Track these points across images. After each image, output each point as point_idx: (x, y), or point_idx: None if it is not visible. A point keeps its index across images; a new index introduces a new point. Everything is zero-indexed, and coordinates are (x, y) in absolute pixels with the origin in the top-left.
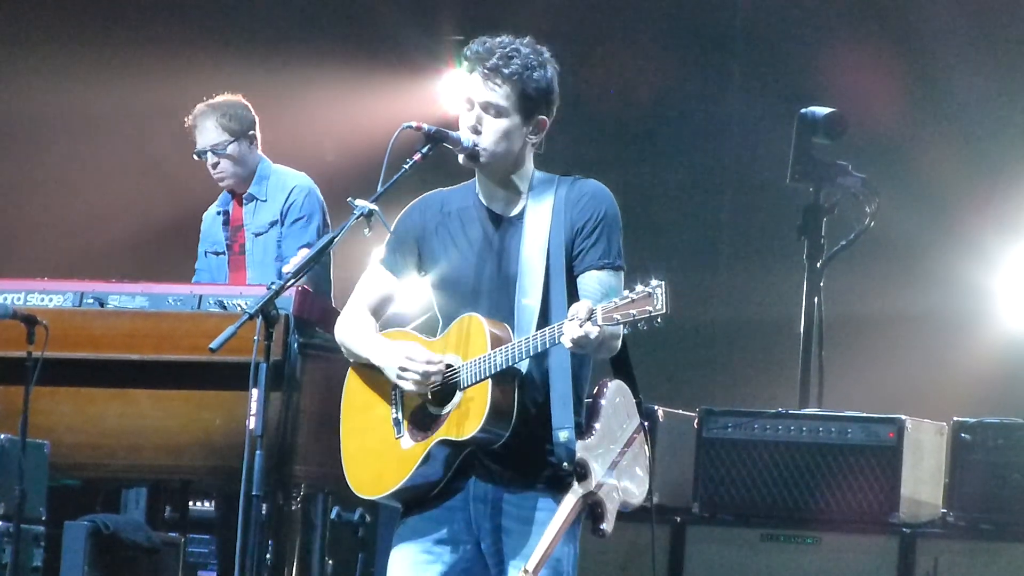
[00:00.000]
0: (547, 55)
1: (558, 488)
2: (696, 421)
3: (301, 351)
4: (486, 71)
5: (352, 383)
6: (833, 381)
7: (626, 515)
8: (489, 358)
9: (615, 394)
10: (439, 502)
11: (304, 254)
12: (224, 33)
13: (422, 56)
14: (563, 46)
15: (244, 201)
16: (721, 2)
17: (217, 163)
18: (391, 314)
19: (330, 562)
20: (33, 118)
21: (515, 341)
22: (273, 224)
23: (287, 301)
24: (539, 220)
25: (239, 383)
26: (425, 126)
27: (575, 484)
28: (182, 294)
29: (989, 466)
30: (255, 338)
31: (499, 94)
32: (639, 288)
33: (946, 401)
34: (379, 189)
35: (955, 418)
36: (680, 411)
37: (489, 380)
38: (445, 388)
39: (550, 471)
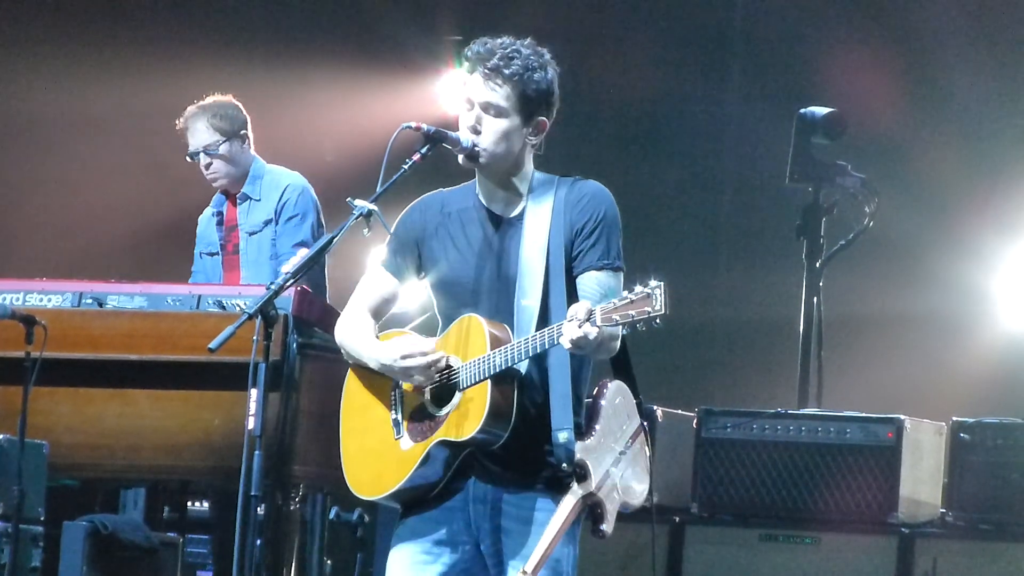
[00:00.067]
0: (548, 57)
1: (557, 489)
2: (695, 421)
3: (300, 351)
4: (487, 71)
5: (352, 384)
6: (832, 381)
7: (625, 515)
8: (488, 359)
9: (615, 395)
10: (438, 503)
11: (303, 254)
12: (224, 33)
13: (421, 56)
14: (562, 46)
15: (238, 201)
16: (720, 2)
17: (210, 164)
18: (391, 314)
19: (328, 562)
20: (32, 118)
21: (514, 342)
22: (267, 223)
23: (286, 301)
24: (539, 221)
25: (238, 383)
26: (424, 126)
27: (574, 485)
28: (181, 294)
29: (988, 466)
30: (254, 338)
31: (499, 94)
32: (638, 289)
33: (945, 401)
34: (378, 189)
35: (954, 418)
36: (679, 411)
37: (488, 381)
38: (444, 389)
39: (549, 472)
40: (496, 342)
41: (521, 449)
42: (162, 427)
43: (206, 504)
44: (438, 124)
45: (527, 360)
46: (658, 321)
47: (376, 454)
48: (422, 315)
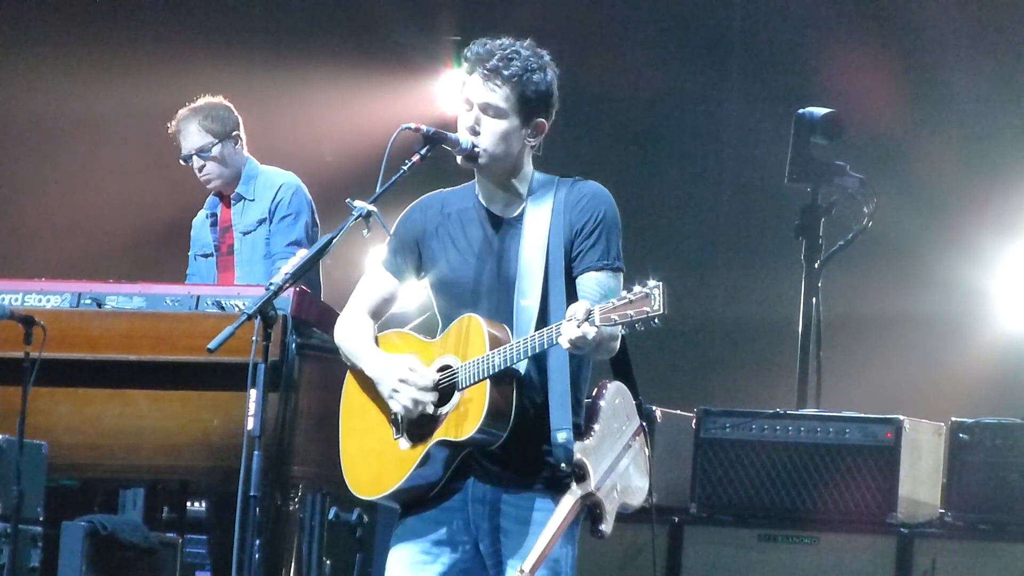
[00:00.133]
0: (547, 58)
1: (557, 489)
2: (694, 421)
3: (299, 352)
4: (486, 72)
5: (351, 385)
6: (831, 381)
7: (624, 516)
8: (487, 359)
9: (614, 395)
10: (437, 503)
11: (302, 255)
12: (224, 33)
13: (421, 56)
14: (562, 46)
15: (232, 201)
16: (720, 2)
17: (203, 166)
18: (390, 314)
19: (328, 562)
20: (32, 118)
21: (513, 342)
22: (261, 222)
23: (285, 302)
24: (538, 222)
25: (237, 384)
26: (424, 127)
27: (573, 485)
28: (180, 295)
29: (987, 466)
30: (253, 339)
31: (498, 95)
32: (637, 289)
33: (944, 401)
34: (377, 190)
35: (953, 418)
36: (678, 411)
37: (487, 381)
38: (444, 389)
39: (549, 472)
40: (495, 342)
41: (520, 449)
42: (161, 427)
43: (205, 504)
44: (437, 125)
45: (526, 360)
46: (657, 321)
47: (375, 454)
48: (421, 315)
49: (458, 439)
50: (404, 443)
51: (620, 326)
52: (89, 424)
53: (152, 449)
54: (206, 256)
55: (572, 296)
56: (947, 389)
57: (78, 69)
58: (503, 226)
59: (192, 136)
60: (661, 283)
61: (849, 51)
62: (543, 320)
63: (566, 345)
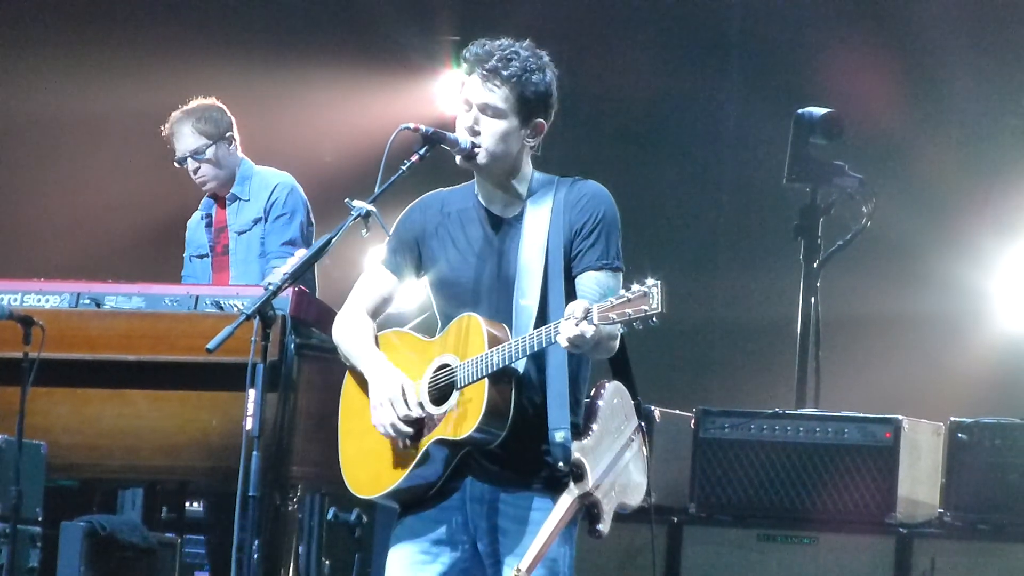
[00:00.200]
0: (546, 59)
1: (555, 488)
2: (693, 421)
3: (298, 352)
4: (485, 72)
5: (350, 385)
6: (830, 381)
7: (623, 516)
8: (486, 357)
9: (613, 395)
10: (436, 502)
11: (301, 255)
12: (223, 33)
13: (419, 57)
14: (561, 46)
15: (227, 202)
16: (719, 3)
17: (198, 168)
18: (390, 314)
19: (327, 563)
20: (32, 119)
21: (511, 340)
22: (257, 221)
23: (284, 302)
24: (538, 222)
25: (236, 384)
26: (423, 127)
27: (571, 484)
28: (179, 295)
29: (986, 466)
30: (252, 339)
31: (497, 96)
32: (635, 288)
33: (943, 401)
34: (376, 190)
35: (952, 418)
36: (677, 411)
37: (486, 380)
38: (442, 388)
39: (547, 471)
40: (494, 341)
41: (519, 448)
42: (160, 428)
43: (204, 505)
44: (436, 125)
45: (525, 359)
46: (655, 320)
47: (374, 454)
48: (420, 315)
49: (456, 438)
50: (402, 443)
51: (618, 325)
52: (88, 424)
53: (151, 449)
54: (201, 257)
55: (571, 296)
56: (946, 389)
57: (78, 69)
58: (503, 226)
59: (186, 139)
60: (659, 282)
61: (849, 51)
62: (542, 320)
63: (564, 344)
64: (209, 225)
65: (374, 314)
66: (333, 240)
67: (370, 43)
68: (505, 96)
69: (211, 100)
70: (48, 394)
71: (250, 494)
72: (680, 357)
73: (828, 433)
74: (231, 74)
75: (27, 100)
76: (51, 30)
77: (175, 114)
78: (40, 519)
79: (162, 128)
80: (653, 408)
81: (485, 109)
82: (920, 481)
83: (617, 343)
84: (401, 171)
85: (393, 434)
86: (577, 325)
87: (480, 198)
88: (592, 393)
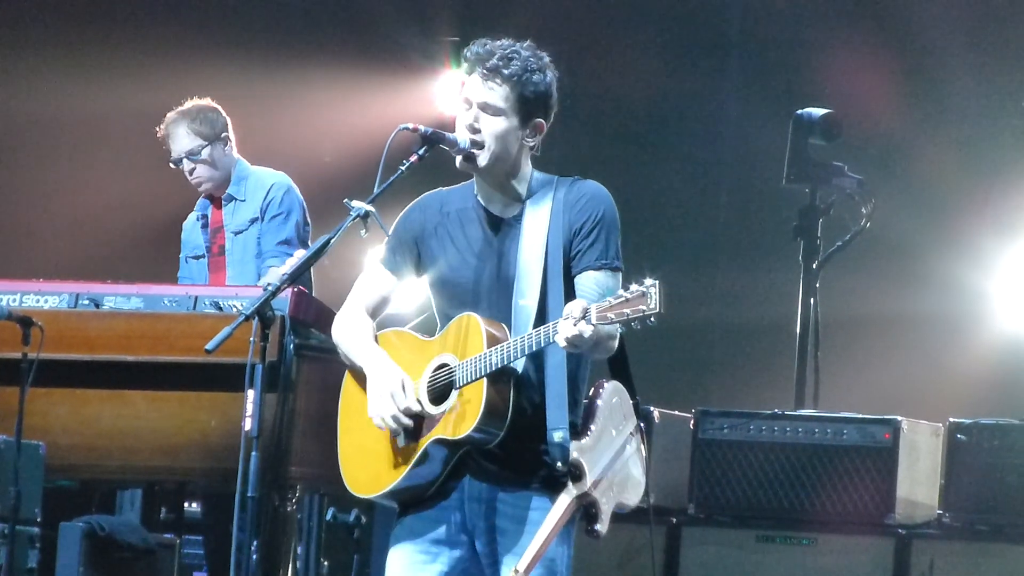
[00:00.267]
0: (547, 60)
1: (553, 488)
2: (692, 422)
3: (297, 352)
4: (486, 71)
5: (349, 383)
6: (829, 382)
7: (622, 516)
8: (484, 357)
9: (611, 395)
10: (435, 502)
11: (300, 255)
12: (223, 33)
13: (419, 57)
14: (560, 47)
15: (223, 202)
16: (719, 3)
17: (193, 169)
18: (388, 315)
19: (325, 563)
20: (31, 119)
21: (510, 340)
22: (253, 221)
23: (283, 302)
24: (537, 222)
25: (235, 384)
26: (422, 128)
27: (569, 484)
28: (178, 295)
29: (985, 467)
30: (251, 339)
31: (498, 94)
32: (633, 288)
33: (942, 402)
34: (375, 190)
35: (951, 419)
36: (676, 412)
37: (485, 379)
38: (441, 387)
39: (545, 471)
40: (493, 341)
41: (517, 448)
42: (159, 428)
43: (203, 505)
44: (435, 125)
45: (524, 359)
46: (653, 320)
47: (373, 453)
48: (419, 316)
49: (455, 438)
50: (401, 441)
51: (616, 325)
52: (87, 425)
53: (150, 450)
54: (197, 258)
55: (571, 296)
56: (945, 390)
57: (78, 69)
58: (502, 226)
59: (181, 139)
60: (657, 282)
61: (848, 51)
62: (541, 320)
63: (562, 344)
64: (205, 226)
65: (373, 313)
66: (332, 240)
67: (369, 43)
68: (505, 95)
69: (206, 100)
70: (47, 395)
71: (249, 495)
72: (679, 358)
73: (827, 434)
74: (231, 74)
75: (27, 100)
76: (51, 30)
77: (170, 115)
78: (39, 520)
79: (157, 129)
80: (652, 409)
81: (485, 107)
82: (919, 482)
83: (616, 343)
84: (400, 171)
85: (394, 426)
86: (575, 325)
87: (479, 198)
88: (591, 393)
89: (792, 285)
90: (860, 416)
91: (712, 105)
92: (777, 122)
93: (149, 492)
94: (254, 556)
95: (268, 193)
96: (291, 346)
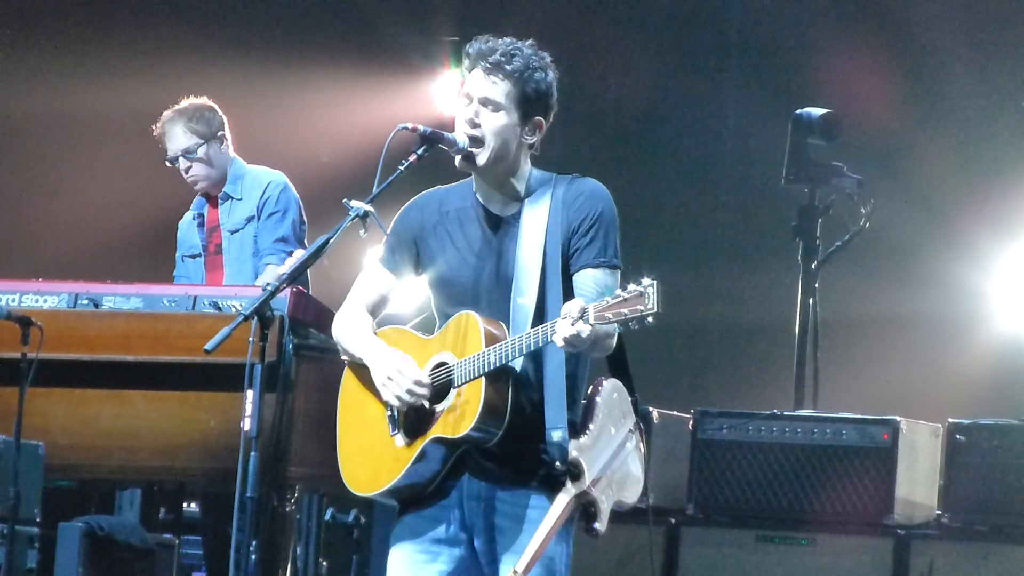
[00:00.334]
0: (548, 59)
1: (552, 487)
2: (691, 422)
3: (296, 352)
4: (488, 66)
5: (348, 381)
6: (828, 382)
7: (621, 516)
8: (483, 356)
9: (610, 393)
10: (435, 500)
11: (299, 255)
12: (222, 33)
13: (418, 57)
14: (560, 47)
15: (220, 201)
16: (719, 3)
17: (190, 167)
18: (388, 314)
19: (324, 563)
20: (30, 119)
21: (508, 339)
22: (250, 219)
23: (282, 302)
24: (536, 220)
25: (234, 384)
26: (421, 128)
27: (568, 483)
28: (177, 295)
29: (984, 468)
30: (250, 339)
31: (499, 89)
32: (631, 287)
33: (941, 402)
34: (374, 190)
35: (950, 420)
36: (675, 412)
37: (483, 378)
38: (439, 386)
39: (544, 470)
40: (492, 340)
41: (516, 447)
42: (158, 428)
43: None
44: (434, 125)
45: (523, 358)
46: (651, 319)
47: (372, 451)
48: (418, 316)
49: (454, 436)
50: (400, 440)
51: (614, 324)
52: (86, 425)
53: (149, 450)
54: (194, 257)
55: (569, 294)
56: (944, 390)
57: (78, 69)
58: (501, 225)
59: (177, 138)
60: (655, 282)
61: (848, 51)
62: (540, 318)
63: (560, 343)
64: (201, 225)
65: (373, 312)
66: (331, 240)
67: (369, 43)
68: (507, 91)
69: (203, 99)
70: (46, 394)
71: (248, 495)
72: (678, 358)
73: (826, 434)
74: (230, 74)
75: (27, 100)
76: (51, 30)
77: (166, 113)
78: (38, 520)
79: (154, 128)
80: (651, 409)
81: (486, 102)
82: (918, 482)
83: (614, 341)
84: (399, 171)
85: (410, 399)
86: (573, 325)
87: (478, 196)
88: (589, 391)
89: (791, 285)
90: (859, 416)
91: (712, 105)
92: (776, 122)
93: (148, 492)
94: (253, 556)
95: (264, 191)
96: (290, 346)
